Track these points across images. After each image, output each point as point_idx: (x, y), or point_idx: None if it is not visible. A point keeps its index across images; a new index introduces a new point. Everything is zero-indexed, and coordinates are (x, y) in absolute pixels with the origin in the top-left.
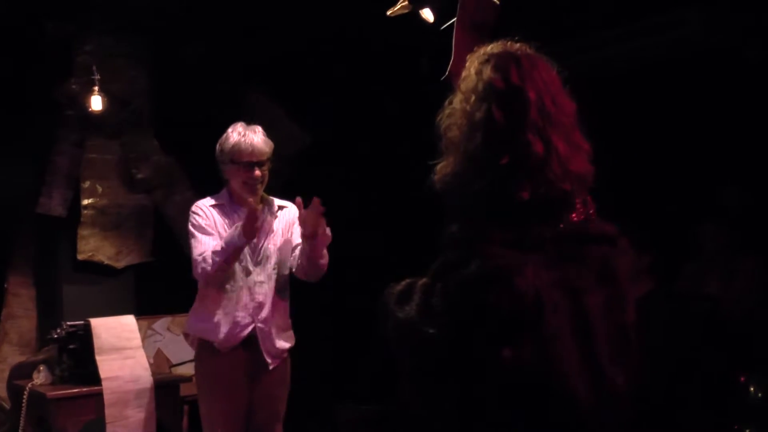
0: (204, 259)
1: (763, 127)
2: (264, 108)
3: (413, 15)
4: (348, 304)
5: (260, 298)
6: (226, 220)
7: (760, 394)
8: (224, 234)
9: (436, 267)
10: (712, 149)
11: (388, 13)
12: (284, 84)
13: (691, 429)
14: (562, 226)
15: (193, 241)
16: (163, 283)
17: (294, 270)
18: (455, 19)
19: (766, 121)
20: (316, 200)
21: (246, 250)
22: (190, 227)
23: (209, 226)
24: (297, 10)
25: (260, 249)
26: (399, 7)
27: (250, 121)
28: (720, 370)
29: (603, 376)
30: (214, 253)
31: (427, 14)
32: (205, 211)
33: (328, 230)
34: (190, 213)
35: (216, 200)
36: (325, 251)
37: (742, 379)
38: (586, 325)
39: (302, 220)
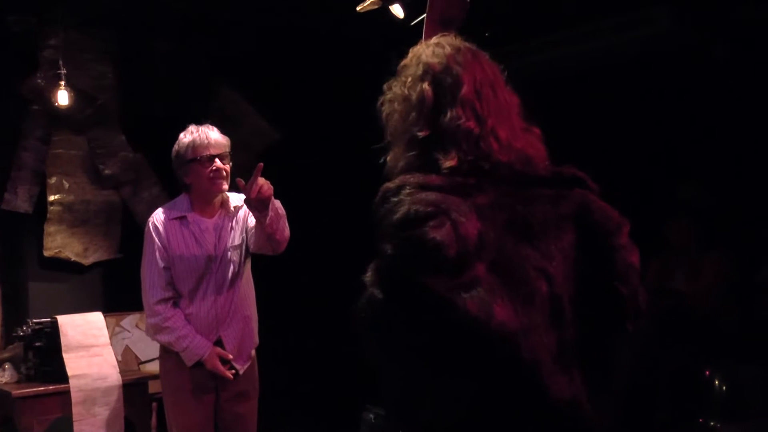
0: (157, 325)
1: (730, 124)
2: (232, 103)
3: (383, 11)
4: (329, 299)
5: (221, 309)
6: (186, 234)
7: (724, 388)
8: (184, 250)
9: (377, 218)
10: (679, 145)
11: (358, 8)
12: (253, 79)
13: (656, 423)
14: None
15: (147, 269)
16: (132, 280)
17: (252, 248)
18: (425, 15)
19: (733, 117)
20: (259, 165)
21: (206, 259)
22: (146, 248)
23: (165, 248)
24: (266, 5)
25: (220, 258)
26: (369, 2)
27: (218, 116)
28: (685, 365)
29: (563, 317)
30: (179, 337)
31: (397, 10)
32: (162, 228)
33: (277, 203)
34: (147, 227)
35: (175, 212)
36: (283, 223)
37: (707, 373)
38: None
39: (246, 193)
